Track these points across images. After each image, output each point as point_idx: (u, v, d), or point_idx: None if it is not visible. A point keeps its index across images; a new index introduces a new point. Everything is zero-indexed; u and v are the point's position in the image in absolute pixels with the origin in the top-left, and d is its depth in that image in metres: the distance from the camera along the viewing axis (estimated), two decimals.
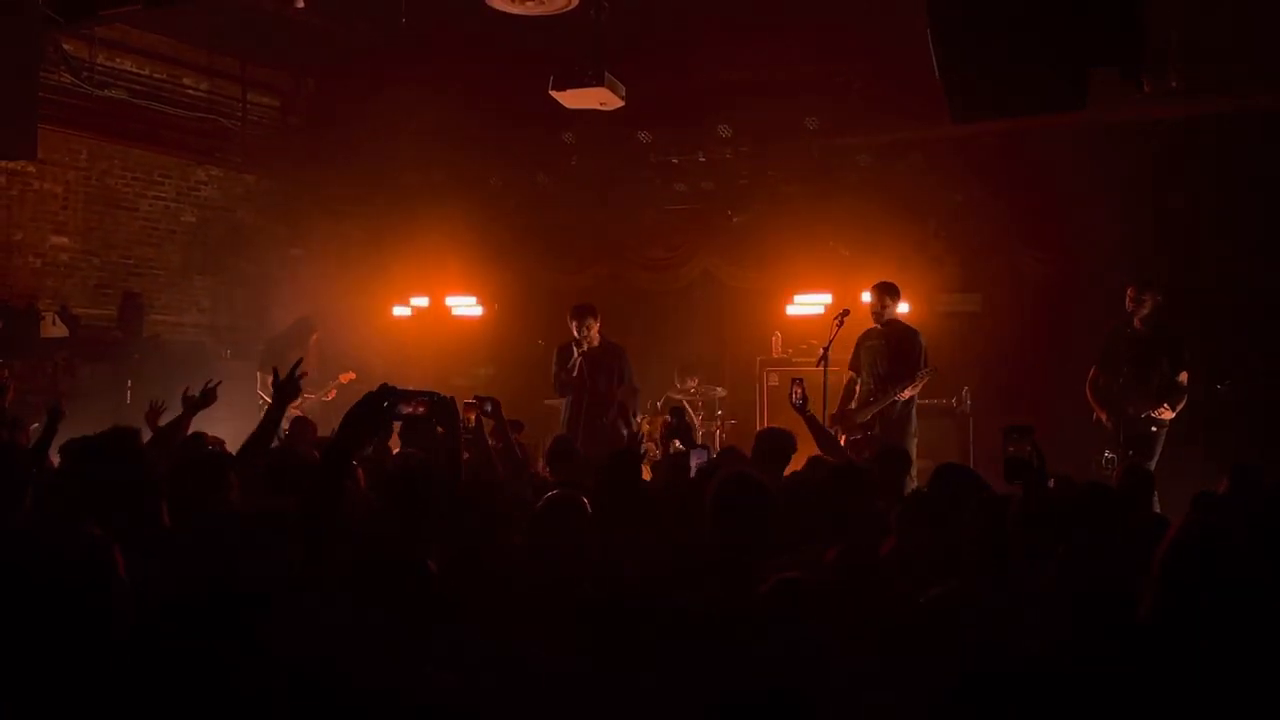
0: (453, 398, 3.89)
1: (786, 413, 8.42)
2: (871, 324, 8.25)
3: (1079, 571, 3.10)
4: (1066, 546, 3.18)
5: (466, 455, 4.75)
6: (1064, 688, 2.52)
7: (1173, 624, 2.65)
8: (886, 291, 8.19)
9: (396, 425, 5.79)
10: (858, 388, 8.23)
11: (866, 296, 8.39)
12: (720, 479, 3.96)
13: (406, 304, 12.30)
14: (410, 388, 3.48)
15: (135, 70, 10.47)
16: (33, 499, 4.24)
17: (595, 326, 8.23)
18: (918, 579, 3.27)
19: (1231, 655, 2.50)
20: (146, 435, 5.77)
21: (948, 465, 4.83)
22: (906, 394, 7.94)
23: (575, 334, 8.19)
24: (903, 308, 8.55)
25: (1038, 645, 2.81)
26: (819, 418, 7.02)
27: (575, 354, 8.19)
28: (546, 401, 9.77)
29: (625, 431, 7.93)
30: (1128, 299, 7.88)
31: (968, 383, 9.47)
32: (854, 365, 8.29)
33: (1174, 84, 8.51)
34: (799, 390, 6.32)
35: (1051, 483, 4.85)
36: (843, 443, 7.42)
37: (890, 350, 8.08)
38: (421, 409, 3.49)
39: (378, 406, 3.15)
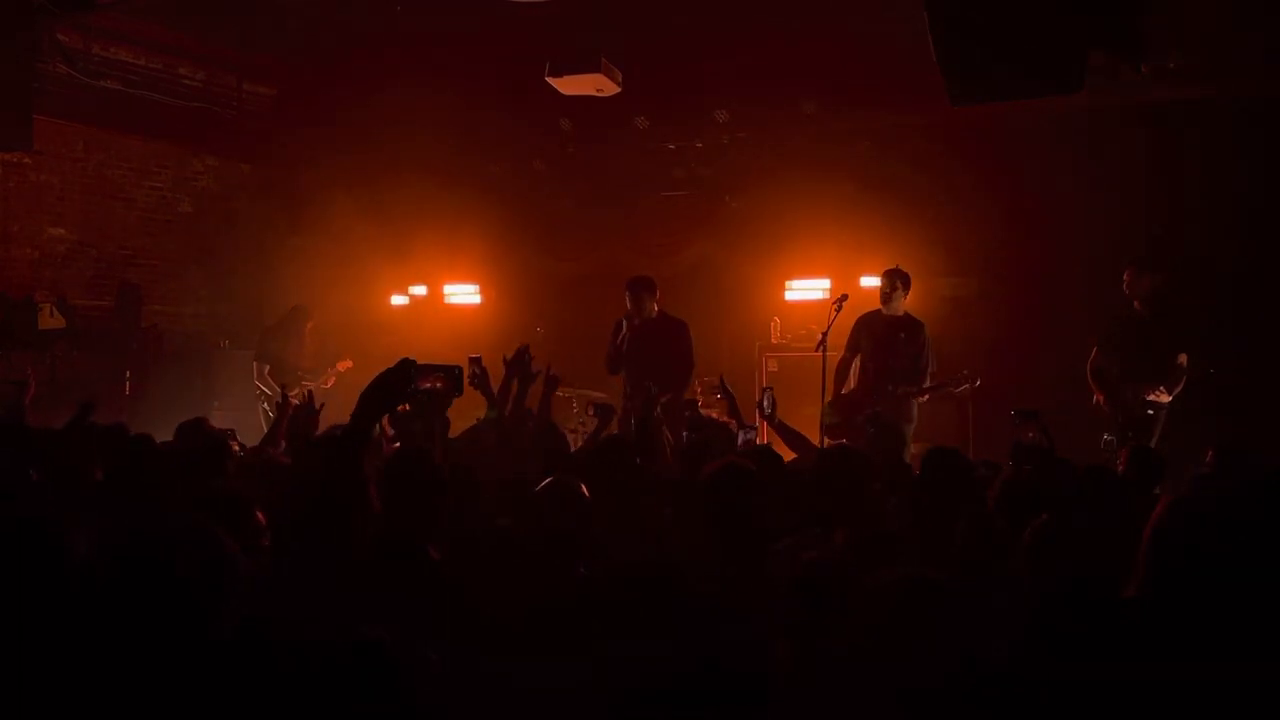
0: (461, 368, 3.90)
1: (786, 399, 8.45)
2: (877, 307, 8.15)
3: (1056, 552, 3.12)
4: (1036, 528, 3.19)
5: None
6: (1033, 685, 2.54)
7: (1157, 601, 2.67)
8: (899, 278, 8.09)
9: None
10: (854, 370, 8.19)
11: (872, 281, 8.30)
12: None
13: (404, 292, 12.31)
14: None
15: (131, 60, 10.43)
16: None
17: (650, 302, 8.01)
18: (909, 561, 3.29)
19: (1216, 632, 2.51)
20: None
21: (937, 449, 4.83)
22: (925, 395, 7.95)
23: (628, 307, 8.00)
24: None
25: (1007, 637, 2.82)
26: (821, 401, 7.05)
27: (624, 329, 8.02)
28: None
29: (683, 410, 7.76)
30: (1125, 280, 7.87)
31: (967, 366, 9.46)
32: (852, 345, 8.18)
33: (1172, 66, 8.50)
34: (768, 398, 6.35)
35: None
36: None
37: (902, 343, 8.00)
38: (440, 384, 3.46)
39: (397, 381, 3.11)
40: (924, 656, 2.46)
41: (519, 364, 5.96)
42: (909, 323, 8.09)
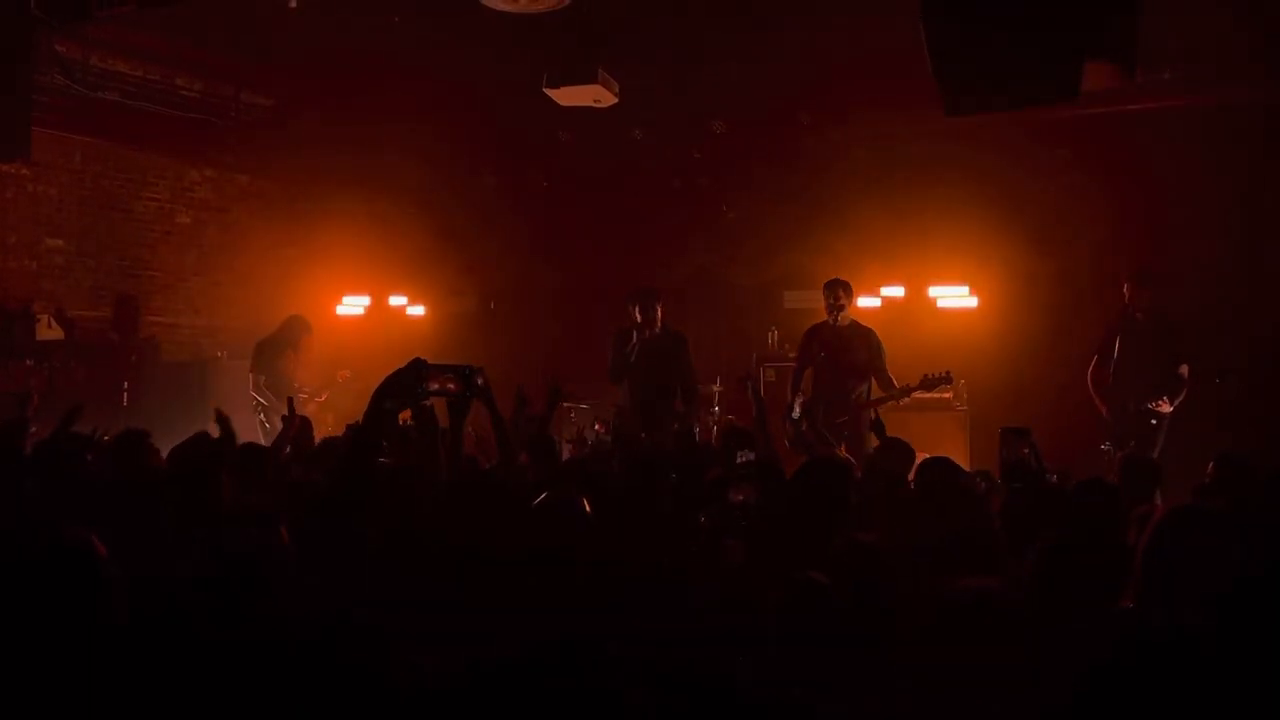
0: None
1: (783, 408, 8.45)
2: (822, 320, 8.27)
3: (1061, 563, 3.11)
4: (1046, 539, 3.19)
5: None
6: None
7: (1154, 610, 2.66)
8: (841, 287, 8.18)
9: None
10: (811, 382, 8.22)
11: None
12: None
13: (402, 302, 12.32)
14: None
15: (129, 72, 10.41)
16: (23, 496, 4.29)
17: (659, 312, 8.07)
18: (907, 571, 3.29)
19: (1213, 640, 2.50)
20: None
21: (932, 459, 4.83)
22: (908, 399, 7.97)
23: (637, 318, 8.03)
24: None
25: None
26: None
27: (634, 339, 8.04)
28: None
29: (679, 424, 7.79)
30: (1125, 292, 7.88)
31: (964, 377, 9.46)
32: (803, 359, 8.28)
33: (1167, 75, 8.51)
34: (798, 407, 6.37)
35: (1054, 478, 4.88)
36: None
37: (853, 349, 8.05)
38: (452, 385, 3.42)
39: (408, 381, 3.09)
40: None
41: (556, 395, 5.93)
42: (858, 330, 8.17)
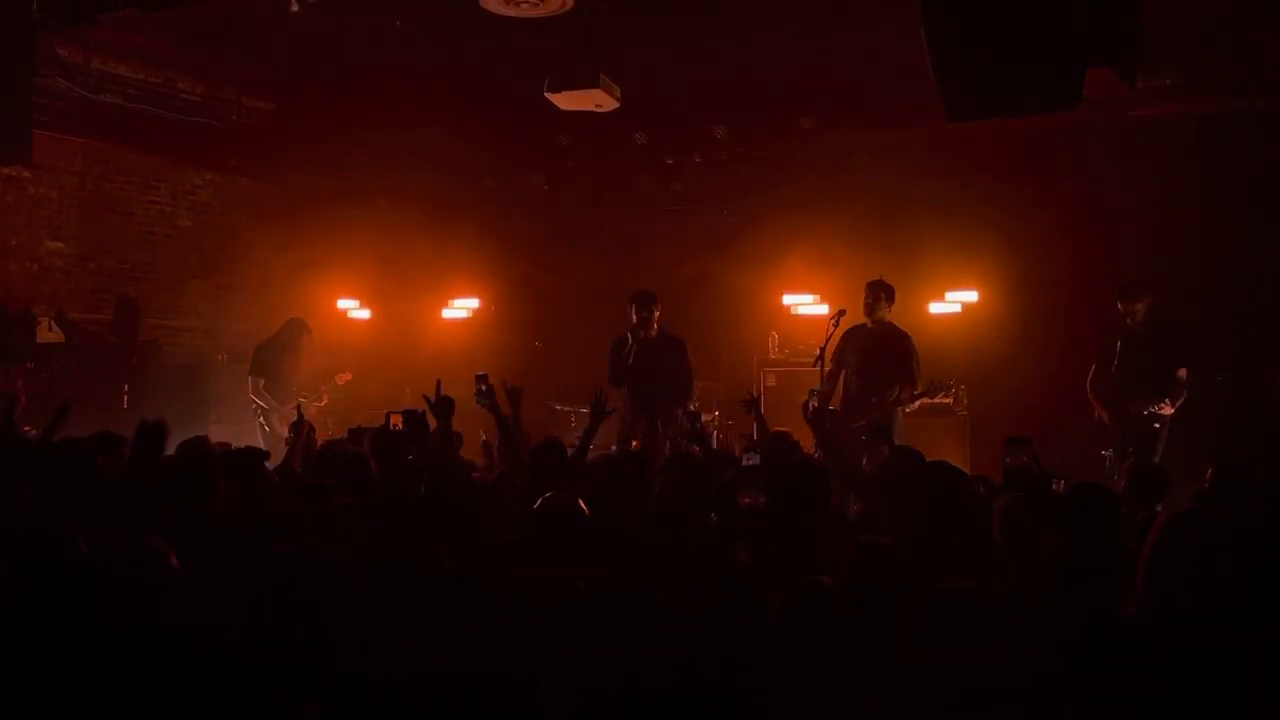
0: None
1: (784, 413, 8.45)
2: (860, 321, 8.20)
3: (1067, 569, 3.12)
4: (1054, 545, 3.19)
5: None
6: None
7: (1156, 615, 2.66)
8: (882, 290, 8.16)
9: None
10: (841, 385, 8.20)
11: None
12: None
13: (401, 305, 12.31)
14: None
15: (130, 75, 10.43)
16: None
17: (655, 314, 8.07)
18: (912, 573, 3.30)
19: (1215, 645, 2.50)
20: None
21: (936, 463, 4.84)
22: (916, 405, 7.95)
23: (634, 320, 8.04)
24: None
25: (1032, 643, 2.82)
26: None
27: (630, 342, 8.04)
28: (547, 404, 9.80)
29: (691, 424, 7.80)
30: (1119, 308, 7.89)
31: (965, 382, 9.46)
32: (838, 361, 8.21)
33: (1169, 82, 8.53)
34: (814, 405, 6.38)
35: (1062, 485, 4.89)
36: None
37: (883, 353, 8.04)
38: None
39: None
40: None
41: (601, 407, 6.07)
42: (893, 333, 8.13)
